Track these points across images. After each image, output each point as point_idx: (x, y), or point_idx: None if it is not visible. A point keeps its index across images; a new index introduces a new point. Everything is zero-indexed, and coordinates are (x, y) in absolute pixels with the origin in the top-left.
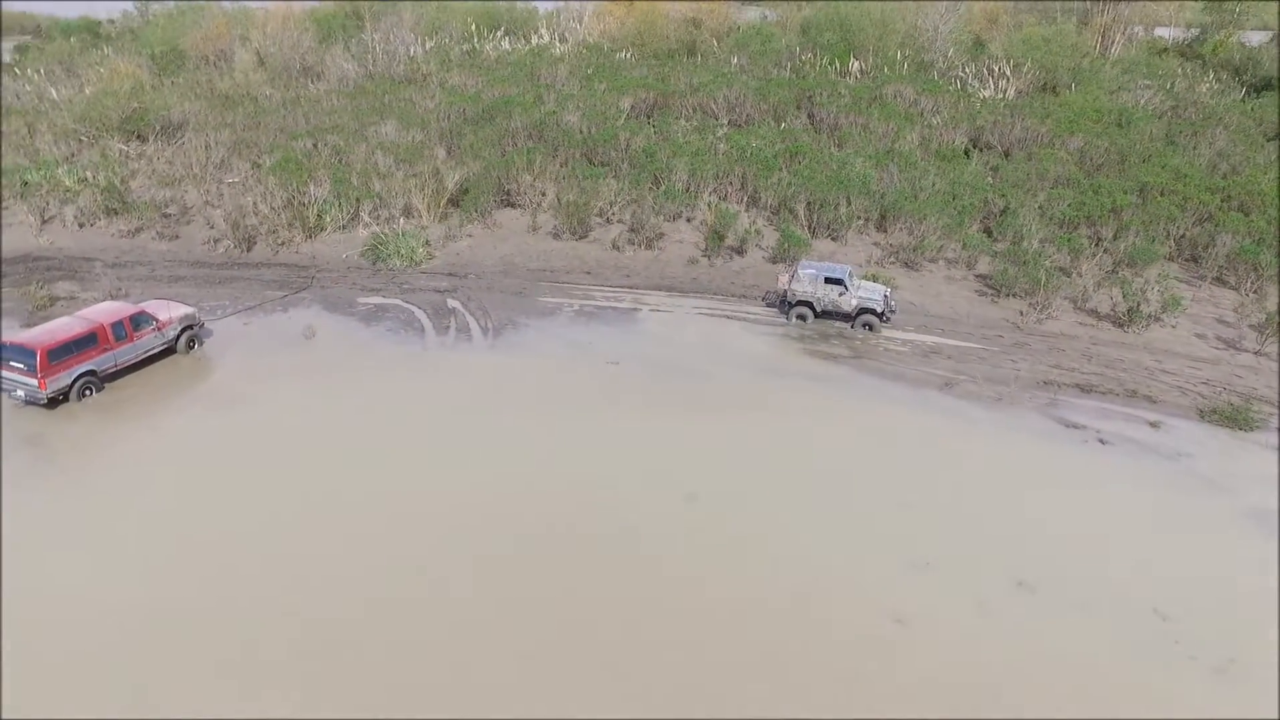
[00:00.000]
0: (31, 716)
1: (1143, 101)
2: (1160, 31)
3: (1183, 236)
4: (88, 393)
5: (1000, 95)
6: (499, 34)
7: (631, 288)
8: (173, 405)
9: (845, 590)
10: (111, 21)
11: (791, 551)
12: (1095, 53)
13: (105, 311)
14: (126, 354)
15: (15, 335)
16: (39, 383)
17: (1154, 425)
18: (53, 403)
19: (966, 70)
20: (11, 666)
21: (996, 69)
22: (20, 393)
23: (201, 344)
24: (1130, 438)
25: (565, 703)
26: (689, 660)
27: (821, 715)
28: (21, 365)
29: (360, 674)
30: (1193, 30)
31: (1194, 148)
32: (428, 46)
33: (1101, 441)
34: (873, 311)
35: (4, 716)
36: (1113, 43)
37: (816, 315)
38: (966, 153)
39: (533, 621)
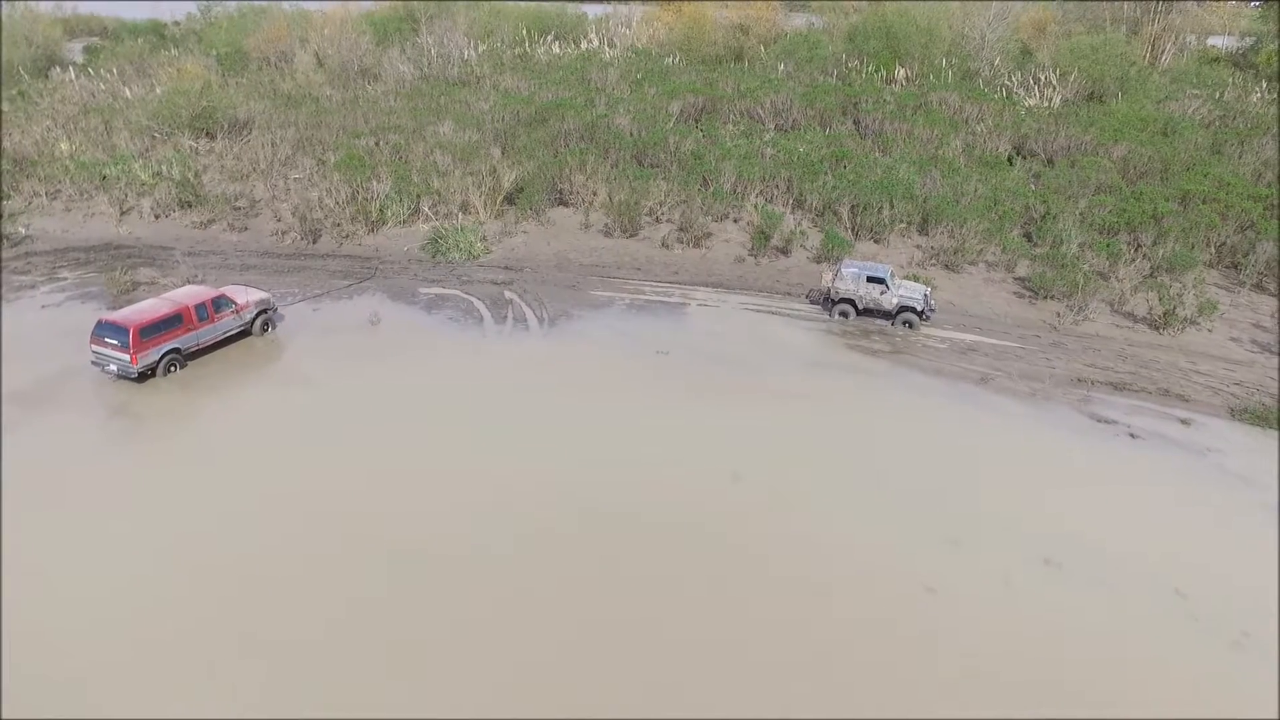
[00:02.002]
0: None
1: (1190, 111)
2: (1214, 40)
3: (1223, 244)
4: (173, 369)
5: (1046, 104)
6: (549, 38)
7: (680, 284)
8: (250, 382)
9: (879, 561)
10: (176, 23)
11: (829, 526)
12: (1145, 62)
13: (189, 294)
14: (208, 334)
15: (109, 315)
16: (131, 358)
17: (1185, 422)
18: (141, 377)
19: (1012, 79)
20: (93, 611)
21: (1043, 77)
22: (113, 367)
23: (275, 327)
24: (1161, 433)
25: (611, 662)
26: (725, 620)
27: (850, 671)
28: (115, 342)
29: (415, 631)
30: (1248, 39)
31: (1239, 156)
32: (480, 50)
33: (1132, 436)
34: (913, 310)
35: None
36: (1163, 52)
37: (858, 313)
38: (1010, 160)
39: (582, 587)
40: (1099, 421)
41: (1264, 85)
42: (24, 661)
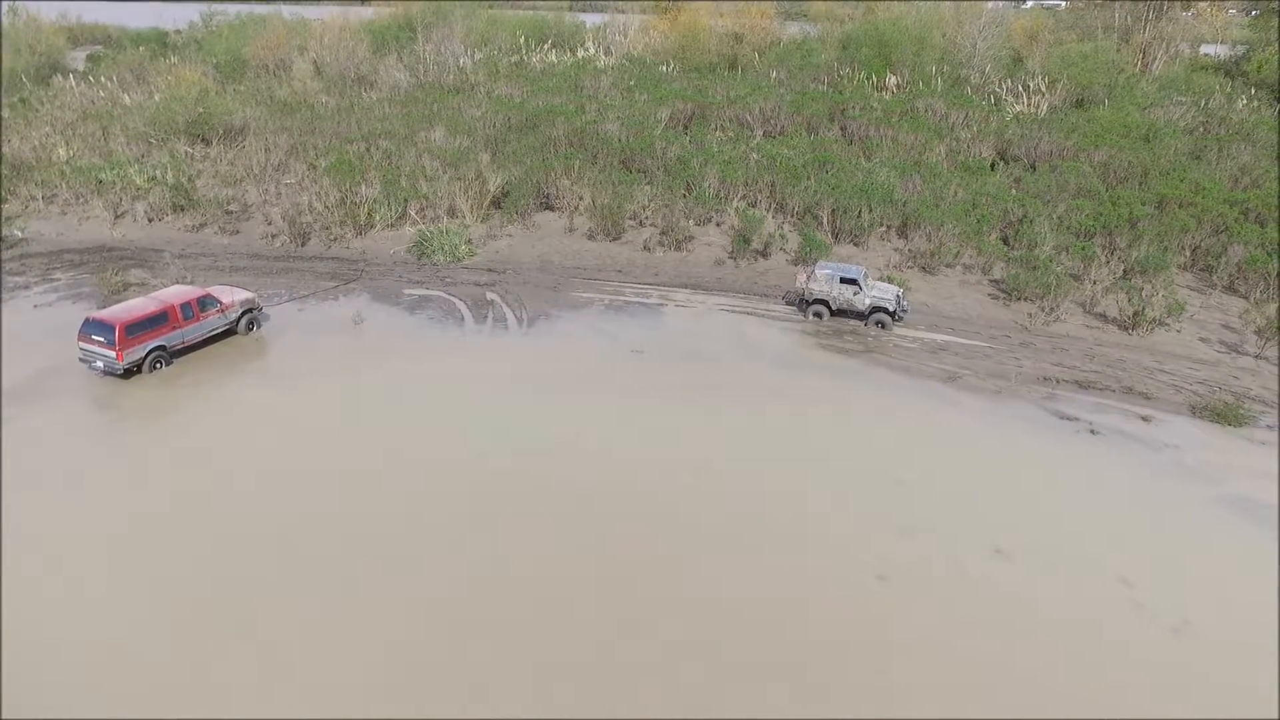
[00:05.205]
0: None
1: (1176, 117)
2: (1206, 49)
3: (1197, 247)
4: (158, 366)
5: (1033, 110)
6: (546, 46)
7: (659, 285)
8: (234, 378)
9: (836, 551)
10: (178, 32)
11: (790, 517)
12: (1136, 69)
13: (175, 293)
14: (193, 332)
15: (96, 313)
16: (117, 355)
17: (1145, 419)
18: (127, 374)
19: (1002, 86)
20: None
21: (1031, 84)
22: (99, 363)
23: (260, 326)
24: (1121, 430)
25: (573, 642)
26: (688, 603)
27: (797, 656)
28: (102, 339)
29: (379, 621)
30: (1240, 48)
31: (1217, 162)
32: (476, 58)
33: (1092, 432)
34: (885, 310)
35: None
36: (1153, 60)
37: (832, 313)
38: (993, 165)
39: (550, 571)
40: (1061, 418)
41: (1251, 92)
42: (15, 650)
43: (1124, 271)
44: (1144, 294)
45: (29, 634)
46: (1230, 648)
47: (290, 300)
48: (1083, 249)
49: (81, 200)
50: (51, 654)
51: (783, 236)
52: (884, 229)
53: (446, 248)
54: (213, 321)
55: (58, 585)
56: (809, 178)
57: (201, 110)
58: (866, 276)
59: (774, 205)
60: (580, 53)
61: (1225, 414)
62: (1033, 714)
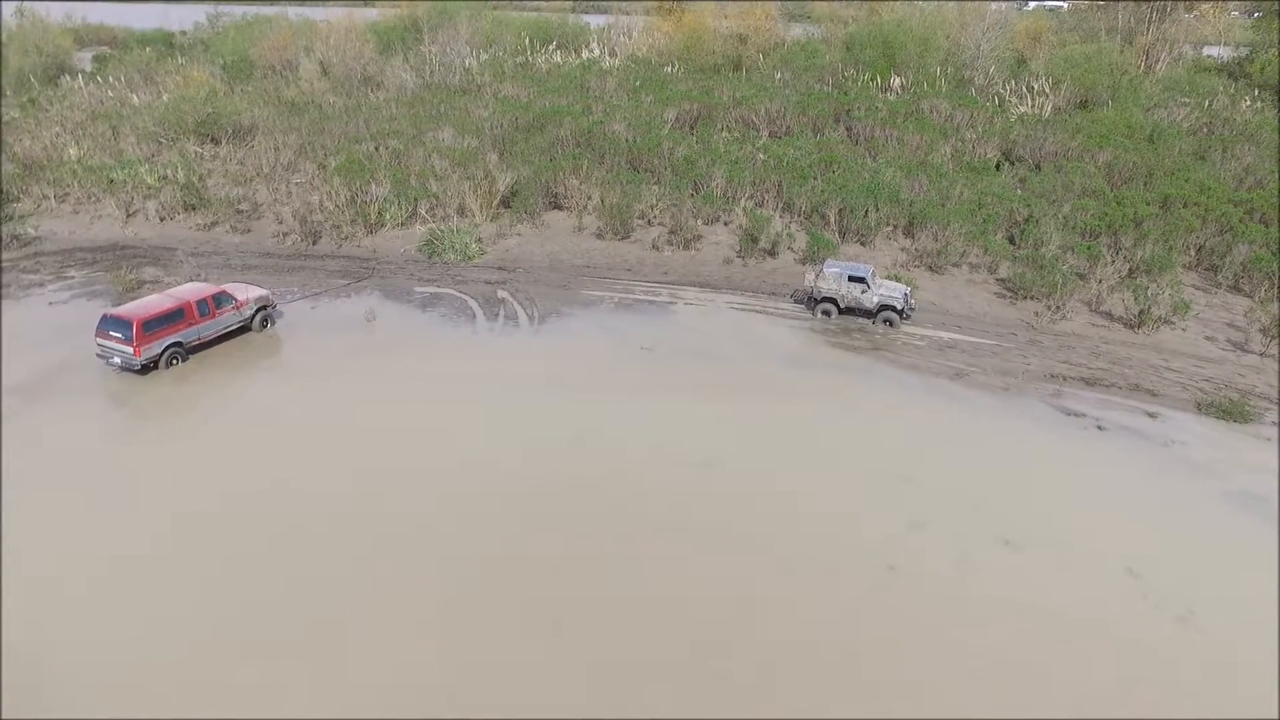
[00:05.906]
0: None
1: (1179, 118)
2: (1210, 51)
3: (1202, 247)
4: (175, 362)
5: (1037, 111)
6: (551, 47)
7: (668, 284)
8: (248, 374)
9: (845, 542)
10: (184, 33)
11: (800, 511)
12: (1138, 71)
13: (191, 290)
14: (209, 329)
15: (114, 309)
16: (134, 351)
17: (1152, 416)
18: (144, 369)
19: (1005, 87)
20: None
21: (1035, 86)
22: (117, 359)
23: (274, 323)
24: (1127, 426)
25: (580, 640)
26: (699, 600)
27: (811, 653)
28: (119, 335)
29: (383, 621)
30: (1243, 49)
31: (1221, 162)
32: (482, 59)
33: (1099, 428)
34: (893, 308)
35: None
36: (1157, 61)
37: (840, 311)
38: (998, 166)
39: (559, 568)
40: (1068, 414)
41: (1255, 94)
42: (21, 643)
43: (1129, 271)
44: (1149, 293)
45: (29, 634)
46: (1234, 639)
47: (303, 298)
48: (1088, 248)
49: (93, 199)
50: (51, 654)
51: (790, 236)
52: (890, 228)
53: (457, 246)
54: (228, 318)
55: (63, 583)
56: (815, 178)
57: (210, 110)
58: (874, 275)
59: (781, 205)
60: (585, 54)
61: (1231, 411)
62: (1039, 702)
